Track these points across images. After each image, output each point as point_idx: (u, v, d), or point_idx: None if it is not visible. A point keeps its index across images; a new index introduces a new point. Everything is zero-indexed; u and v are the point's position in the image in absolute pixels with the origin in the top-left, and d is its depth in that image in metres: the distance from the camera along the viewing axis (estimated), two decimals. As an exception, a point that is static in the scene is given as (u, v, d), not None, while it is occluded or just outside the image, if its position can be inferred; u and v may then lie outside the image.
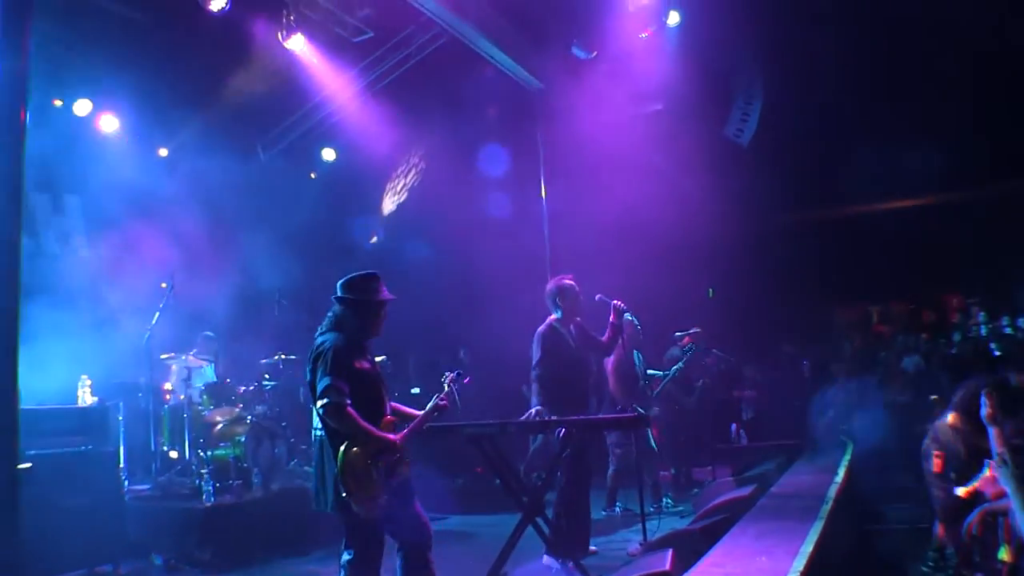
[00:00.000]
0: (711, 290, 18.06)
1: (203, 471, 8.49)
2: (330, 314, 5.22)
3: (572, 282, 7.66)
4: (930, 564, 6.51)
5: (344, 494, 4.77)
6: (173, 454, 9.56)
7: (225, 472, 8.79)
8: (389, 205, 14.94)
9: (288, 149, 13.67)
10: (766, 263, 16.02)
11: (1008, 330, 15.94)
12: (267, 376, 10.09)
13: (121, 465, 8.55)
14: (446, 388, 5.48)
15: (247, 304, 11.25)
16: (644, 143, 13.68)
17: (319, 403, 4.86)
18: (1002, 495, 5.24)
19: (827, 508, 6.63)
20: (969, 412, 6.01)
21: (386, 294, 5.28)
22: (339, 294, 5.22)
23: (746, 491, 7.88)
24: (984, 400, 5.55)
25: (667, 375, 10.27)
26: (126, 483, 8.53)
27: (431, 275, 12.71)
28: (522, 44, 11.63)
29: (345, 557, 5.02)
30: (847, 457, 9.79)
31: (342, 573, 5.04)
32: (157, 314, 9.64)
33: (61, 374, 8.15)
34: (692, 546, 5.80)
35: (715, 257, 16.32)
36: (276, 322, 10.75)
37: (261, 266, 11.17)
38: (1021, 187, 16.08)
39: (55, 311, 8.69)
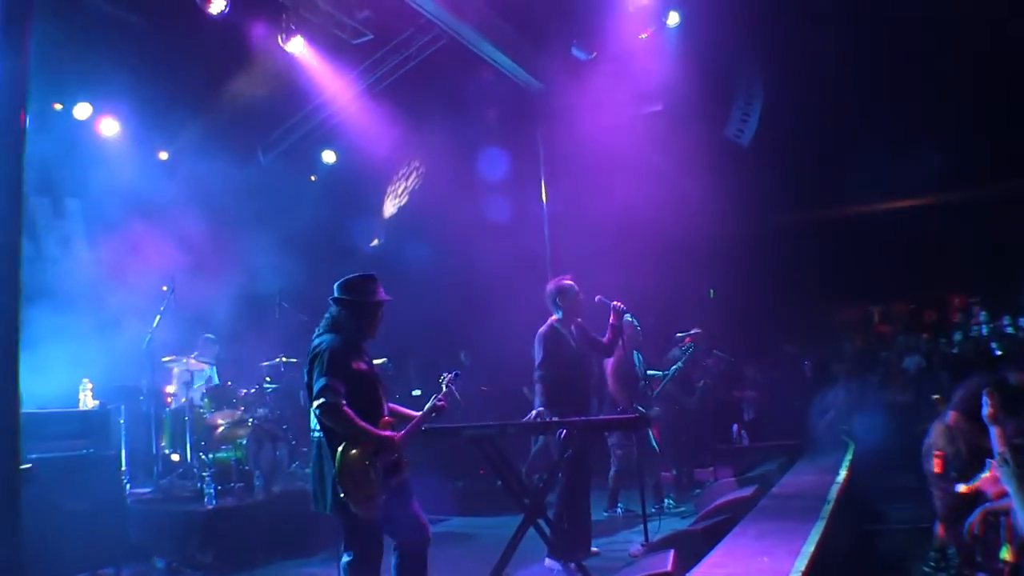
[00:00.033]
0: (712, 291, 18.07)
1: (204, 474, 8.50)
2: (327, 315, 5.23)
3: (572, 282, 7.65)
4: (931, 564, 6.52)
5: (342, 495, 4.77)
6: (175, 457, 9.57)
7: (227, 475, 8.79)
8: (390, 208, 14.94)
9: (288, 152, 13.67)
10: (767, 263, 16.02)
11: (1009, 329, 15.96)
12: (268, 379, 10.10)
13: (123, 468, 8.54)
14: (444, 388, 5.49)
15: (248, 307, 11.24)
16: (644, 144, 13.69)
17: (315, 403, 4.87)
18: (1004, 495, 5.25)
19: (828, 508, 6.64)
20: (969, 412, 6.01)
21: (383, 295, 5.28)
22: (336, 295, 5.22)
23: (747, 492, 7.89)
24: (985, 400, 5.55)
25: (667, 375, 10.28)
26: (128, 486, 8.52)
27: (432, 277, 12.71)
28: (522, 45, 11.63)
29: (345, 559, 5.01)
30: (848, 457, 9.80)
31: (342, 575, 5.04)
32: (158, 317, 9.66)
33: (62, 378, 8.16)
34: (694, 547, 5.81)
35: (716, 257, 16.34)
36: (277, 325, 10.74)
37: (262, 269, 11.17)
38: (1021, 187, 16.08)
39: (56, 315, 8.71)
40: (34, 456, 6.40)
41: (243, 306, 11.16)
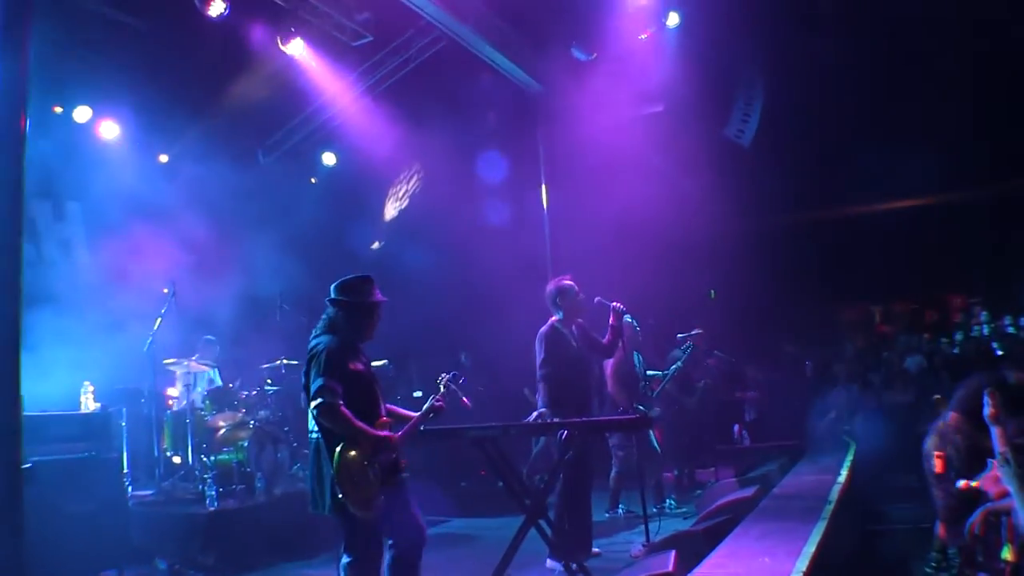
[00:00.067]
0: (712, 291, 18.07)
1: (206, 476, 8.51)
2: (324, 317, 5.24)
3: (572, 282, 7.66)
4: (932, 564, 6.51)
5: (340, 495, 4.78)
6: (176, 459, 9.56)
7: (228, 477, 8.79)
8: (391, 211, 14.94)
9: (288, 154, 13.67)
10: (768, 264, 16.02)
11: (1010, 329, 15.97)
12: (269, 381, 10.11)
13: (124, 471, 8.57)
14: (442, 389, 5.49)
15: (249, 309, 11.25)
16: (644, 144, 13.69)
17: (313, 404, 4.87)
18: (1005, 494, 5.23)
19: (830, 509, 6.64)
20: (969, 412, 6.00)
21: (379, 296, 5.29)
22: (333, 296, 5.23)
23: (749, 492, 7.89)
24: (987, 399, 5.55)
25: (666, 375, 10.28)
26: (129, 489, 8.53)
27: (432, 278, 12.71)
28: (522, 46, 11.63)
29: (345, 560, 5.02)
30: (849, 458, 9.81)
31: None
32: (159, 320, 9.65)
33: (63, 380, 8.17)
34: (695, 547, 5.82)
35: (716, 258, 16.34)
36: (278, 327, 10.75)
37: (262, 271, 11.18)
38: (1021, 187, 16.09)
39: (57, 318, 8.73)
40: (36, 459, 6.40)
41: (244, 308, 11.17)
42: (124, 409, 9.29)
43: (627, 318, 7.84)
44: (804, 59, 13.20)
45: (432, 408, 5.33)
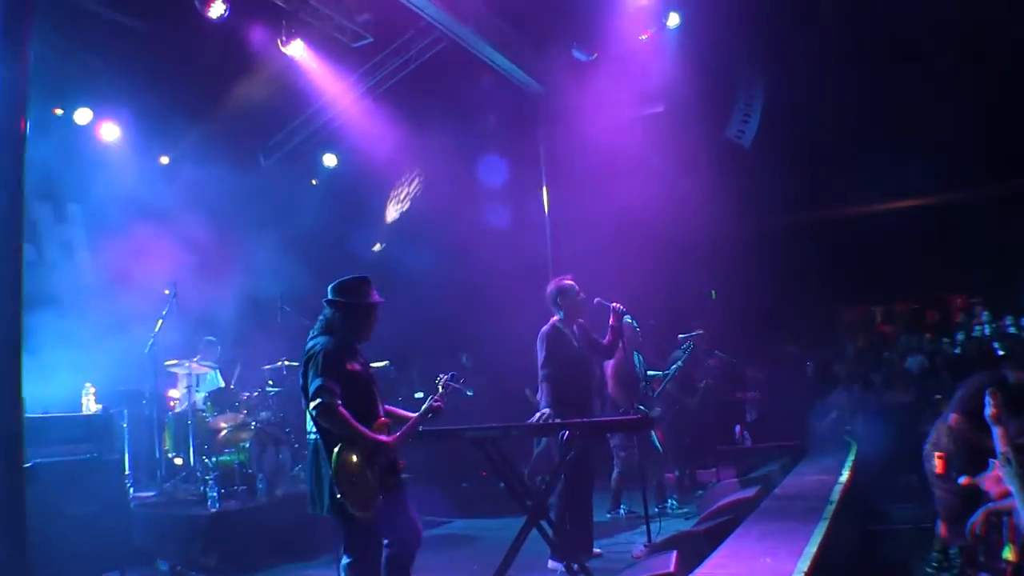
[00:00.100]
0: (713, 291, 18.07)
1: (208, 477, 8.51)
2: (321, 318, 5.23)
3: (572, 282, 7.65)
4: (934, 564, 6.52)
5: (339, 496, 4.77)
6: (178, 461, 9.57)
7: (230, 478, 8.79)
8: (392, 214, 14.94)
9: (289, 155, 13.66)
10: (768, 264, 16.02)
11: (1012, 329, 15.94)
12: (271, 382, 10.11)
13: (126, 472, 8.57)
14: (440, 390, 5.49)
15: (250, 310, 11.25)
16: (645, 144, 13.70)
17: (311, 404, 4.86)
18: (1006, 494, 5.24)
19: (831, 509, 6.64)
20: (970, 412, 6.01)
21: (376, 297, 5.28)
22: (330, 297, 5.23)
23: (750, 492, 7.89)
24: (988, 399, 5.55)
25: (667, 375, 10.27)
26: (131, 490, 8.52)
27: (434, 279, 12.71)
28: (522, 47, 11.63)
29: (344, 560, 5.00)
30: (851, 458, 9.81)
31: (342, 577, 5.03)
32: (160, 321, 9.65)
33: (65, 382, 8.18)
34: (696, 548, 5.82)
35: (717, 258, 16.35)
36: (279, 328, 10.74)
37: (263, 272, 11.17)
38: (1021, 187, 16.09)
39: (58, 320, 8.74)
40: (38, 460, 6.42)
41: (245, 310, 11.17)
42: (125, 411, 9.27)
43: (627, 319, 7.84)
44: (804, 59, 13.21)
45: (430, 408, 5.33)
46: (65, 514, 6.68)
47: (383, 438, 5.00)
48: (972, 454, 6.01)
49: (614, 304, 7.52)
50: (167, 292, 9.77)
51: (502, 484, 6.38)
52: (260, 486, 8.81)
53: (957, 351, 15.92)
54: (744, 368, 14.65)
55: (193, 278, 10.40)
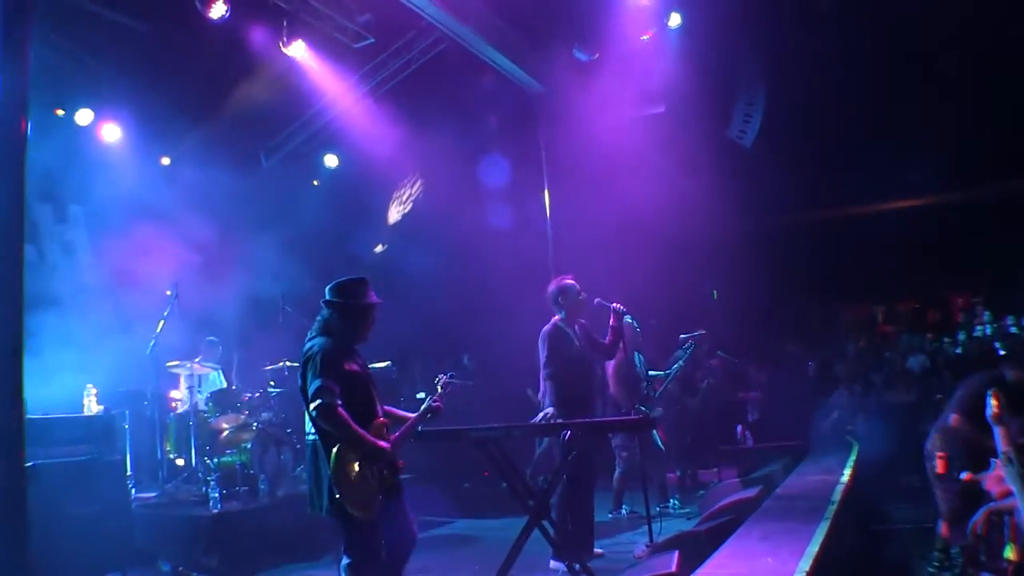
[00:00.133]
0: (715, 292, 18.07)
1: (209, 478, 8.50)
2: (318, 318, 5.22)
3: (573, 282, 7.65)
4: (935, 564, 6.52)
5: (338, 496, 4.77)
6: (179, 461, 9.57)
7: (231, 479, 8.80)
8: (394, 215, 14.94)
9: (290, 156, 13.65)
10: (770, 264, 16.02)
11: (1013, 329, 15.95)
12: (272, 383, 10.11)
13: (128, 473, 8.58)
14: (439, 390, 5.49)
15: (252, 311, 11.25)
16: (646, 145, 13.69)
17: (311, 405, 4.86)
18: (1008, 494, 5.25)
19: (833, 509, 6.64)
20: (971, 412, 6.01)
21: (374, 298, 5.27)
22: (328, 298, 5.22)
23: (752, 492, 7.89)
24: (990, 399, 5.55)
25: (668, 375, 10.27)
26: (133, 491, 8.55)
27: (435, 280, 12.70)
28: (523, 47, 11.64)
29: (345, 561, 5.00)
30: (852, 458, 9.80)
31: (343, 577, 5.03)
32: (162, 322, 9.65)
33: (66, 383, 8.18)
34: (698, 548, 5.81)
35: (719, 258, 16.34)
36: (281, 329, 10.75)
37: (265, 273, 11.17)
38: (1021, 187, 16.09)
39: (60, 321, 8.74)
40: (39, 461, 6.42)
41: (247, 310, 11.17)
42: (127, 411, 9.28)
43: (627, 319, 7.84)
44: (805, 60, 13.22)
45: (429, 409, 5.33)
46: (67, 515, 6.68)
47: (381, 444, 4.99)
48: (973, 454, 6.00)
49: (614, 304, 7.52)
50: (169, 293, 9.76)
51: (504, 484, 6.38)
52: (262, 487, 8.81)
53: (958, 351, 15.94)
54: (745, 368, 14.65)
55: (195, 279, 10.39)
